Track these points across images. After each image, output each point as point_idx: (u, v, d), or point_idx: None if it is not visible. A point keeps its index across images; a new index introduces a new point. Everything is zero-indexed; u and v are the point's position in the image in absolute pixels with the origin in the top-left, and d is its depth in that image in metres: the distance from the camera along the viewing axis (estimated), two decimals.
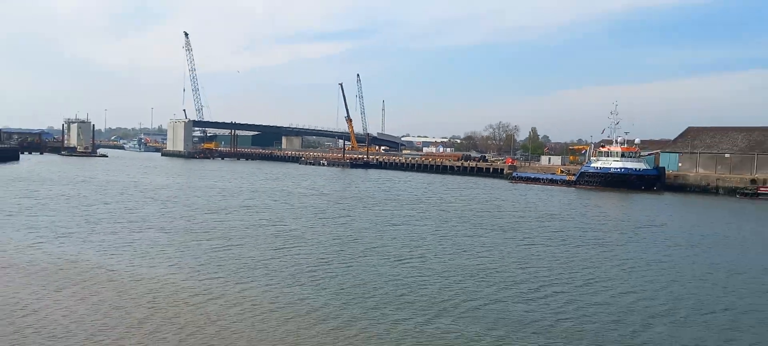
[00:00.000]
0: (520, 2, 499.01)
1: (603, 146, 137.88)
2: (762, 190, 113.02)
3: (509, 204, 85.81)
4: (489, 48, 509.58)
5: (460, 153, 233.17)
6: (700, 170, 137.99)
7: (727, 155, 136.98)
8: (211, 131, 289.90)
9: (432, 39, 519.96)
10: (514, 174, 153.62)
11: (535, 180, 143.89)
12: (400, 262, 40.46)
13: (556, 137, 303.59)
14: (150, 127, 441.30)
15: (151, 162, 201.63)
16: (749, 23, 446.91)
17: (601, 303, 31.26)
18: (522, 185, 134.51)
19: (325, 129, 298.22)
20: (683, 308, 30.99)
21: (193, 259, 39.28)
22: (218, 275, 35.04)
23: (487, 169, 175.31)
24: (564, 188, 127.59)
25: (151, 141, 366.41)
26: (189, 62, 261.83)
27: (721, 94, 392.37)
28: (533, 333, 26.05)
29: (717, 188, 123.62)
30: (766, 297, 34.20)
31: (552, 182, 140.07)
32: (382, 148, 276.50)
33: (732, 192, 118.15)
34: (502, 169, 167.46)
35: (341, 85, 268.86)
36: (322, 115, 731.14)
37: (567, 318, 28.30)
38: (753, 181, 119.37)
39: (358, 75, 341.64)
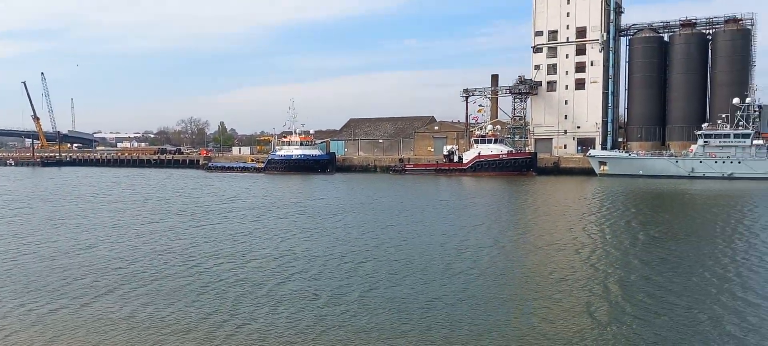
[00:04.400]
0: (209, 8, 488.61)
1: (285, 137, 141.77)
2: (408, 167, 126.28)
3: (207, 190, 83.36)
4: (180, 50, 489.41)
5: (155, 147, 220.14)
6: (362, 154, 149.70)
7: (380, 140, 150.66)
8: None
9: (124, 41, 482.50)
10: (210, 164, 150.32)
11: (230, 169, 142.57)
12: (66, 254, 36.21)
13: (242, 130, 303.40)
14: None
15: None
16: (383, 36, 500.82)
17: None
18: (218, 174, 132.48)
19: (10, 129, 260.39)
20: (335, 257, 32.75)
21: None
22: None
23: (184, 160, 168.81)
24: (255, 174, 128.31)
25: None
26: None
27: (374, 90, 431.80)
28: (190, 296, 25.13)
29: (375, 167, 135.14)
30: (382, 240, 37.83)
31: (244, 169, 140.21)
32: (75, 145, 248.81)
33: (386, 169, 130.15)
34: (198, 160, 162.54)
35: (25, 83, 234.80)
36: (6, 115, 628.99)
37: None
38: (401, 160, 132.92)
39: (42, 73, 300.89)
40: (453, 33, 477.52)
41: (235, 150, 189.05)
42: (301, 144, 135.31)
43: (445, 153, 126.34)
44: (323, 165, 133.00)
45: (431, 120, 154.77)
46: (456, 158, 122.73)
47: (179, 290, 27.11)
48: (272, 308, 24.25)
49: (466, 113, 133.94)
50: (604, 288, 27.30)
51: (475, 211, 56.83)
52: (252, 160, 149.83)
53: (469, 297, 25.59)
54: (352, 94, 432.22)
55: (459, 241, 38.95)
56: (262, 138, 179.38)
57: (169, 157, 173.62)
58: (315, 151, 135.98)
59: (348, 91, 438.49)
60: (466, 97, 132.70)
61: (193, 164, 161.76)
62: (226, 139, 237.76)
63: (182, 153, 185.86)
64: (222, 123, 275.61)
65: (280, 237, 41.09)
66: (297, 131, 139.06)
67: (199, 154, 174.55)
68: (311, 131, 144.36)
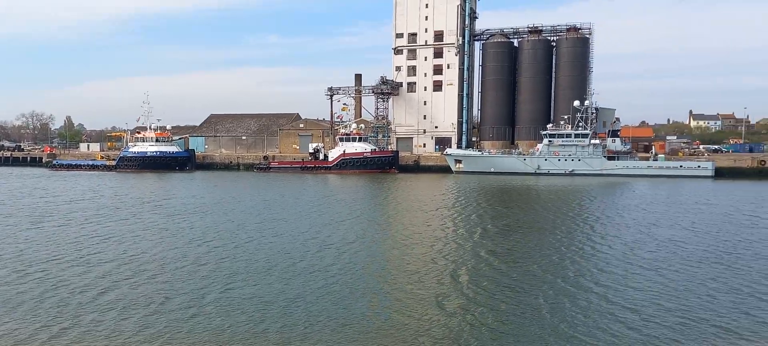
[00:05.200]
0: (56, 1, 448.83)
1: (138, 132, 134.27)
2: (273, 164, 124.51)
3: (51, 189, 76.61)
4: (18, 36, 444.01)
5: None
6: (224, 151, 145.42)
7: (243, 137, 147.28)
8: None
9: None
10: (55, 162, 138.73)
11: (77, 166, 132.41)
12: None
13: (91, 125, 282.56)
14: None
15: None
16: (244, 31, 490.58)
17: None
18: (63, 172, 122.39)
19: None
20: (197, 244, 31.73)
21: None
22: None
23: (25, 158, 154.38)
24: (106, 173, 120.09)
25: None
26: None
27: (236, 86, 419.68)
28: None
29: (238, 165, 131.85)
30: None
31: (93, 167, 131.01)
32: None
33: (250, 167, 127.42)
34: (41, 158, 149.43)
35: None
36: None
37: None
38: (265, 157, 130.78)
39: None
40: (317, 31, 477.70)
41: (83, 147, 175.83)
42: (157, 140, 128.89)
43: (311, 151, 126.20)
44: (181, 163, 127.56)
45: (296, 117, 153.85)
46: (322, 156, 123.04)
47: (12, 300, 24.84)
48: (120, 314, 22.97)
49: (331, 111, 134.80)
50: (454, 279, 28.76)
51: (340, 208, 57.38)
52: (102, 157, 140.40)
53: (328, 293, 25.84)
54: (213, 90, 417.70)
55: (322, 238, 39.16)
56: (114, 134, 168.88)
57: (7, 154, 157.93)
58: (172, 148, 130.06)
59: (208, 86, 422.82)
60: (331, 96, 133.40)
61: (35, 162, 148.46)
62: (72, 135, 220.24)
63: (22, 150, 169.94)
64: (68, 118, 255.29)
65: (130, 240, 38.90)
66: (152, 127, 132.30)
67: (43, 151, 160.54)
68: (168, 127, 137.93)
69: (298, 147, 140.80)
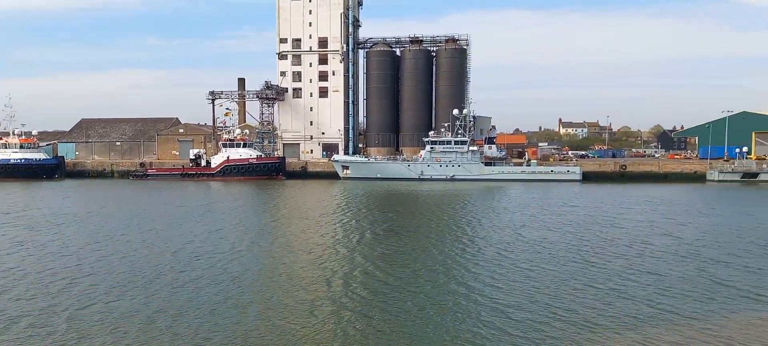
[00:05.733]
0: None
1: (0, 139, 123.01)
2: (151, 171, 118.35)
3: None
4: None
5: None
6: (96, 157, 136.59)
7: (118, 143, 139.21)
8: None
9: None
10: None
11: None
12: None
13: None
14: None
15: None
16: (120, 31, 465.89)
17: None
18: None
19: None
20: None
21: None
22: None
23: None
24: None
25: None
26: None
27: (110, 89, 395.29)
28: None
29: (112, 172, 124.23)
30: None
31: None
32: None
33: (125, 175, 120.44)
34: None
35: None
36: None
37: None
38: (142, 164, 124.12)
39: None
40: (199, 33, 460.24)
41: None
42: (22, 147, 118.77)
43: (192, 157, 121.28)
44: (49, 170, 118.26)
45: (176, 122, 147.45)
46: (204, 162, 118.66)
47: None
48: None
49: (213, 116, 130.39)
50: (329, 286, 28.49)
51: (221, 216, 55.41)
52: None
53: (195, 306, 24.68)
54: (85, 93, 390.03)
55: (196, 248, 37.51)
56: None
57: None
58: (39, 155, 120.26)
59: (80, 89, 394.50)
60: (213, 100, 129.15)
61: None
62: None
63: None
64: None
65: None
66: (15, 132, 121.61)
67: None
68: (34, 132, 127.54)
69: (178, 153, 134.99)
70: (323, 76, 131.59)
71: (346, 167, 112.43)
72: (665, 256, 35.02)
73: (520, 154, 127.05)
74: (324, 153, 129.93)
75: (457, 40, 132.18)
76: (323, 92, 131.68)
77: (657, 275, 30.19)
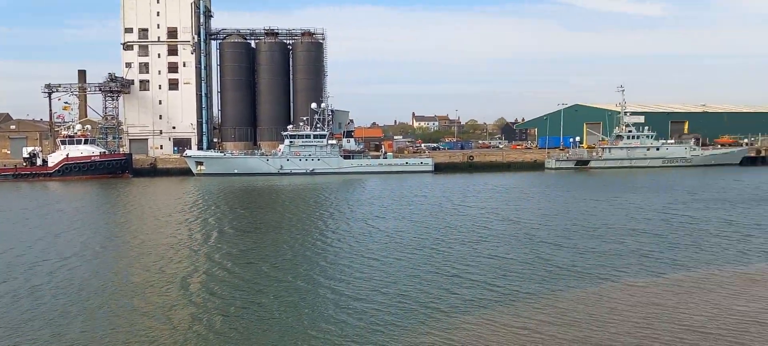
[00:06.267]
0: None
1: None
2: None
3: None
4: None
5: None
6: None
7: None
8: None
9: None
10: None
11: None
12: None
13: None
14: None
15: None
16: None
17: None
18: None
19: None
20: None
21: None
22: None
23: None
24: None
25: None
26: None
27: None
28: None
29: None
30: None
31: None
32: None
33: None
34: None
35: None
36: None
37: None
38: None
39: None
40: (32, 21, 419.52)
41: None
42: None
43: (26, 156, 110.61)
44: None
45: (6, 118, 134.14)
46: (39, 161, 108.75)
47: None
48: None
49: (50, 111, 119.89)
50: (184, 287, 27.73)
51: (58, 219, 51.35)
52: None
53: (34, 317, 22.93)
54: None
55: (35, 256, 34.59)
56: None
57: None
58: None
59: None
60: (49, 94, 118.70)
61: None
62: None
63: None
64: None
65: None
66: None
67: None
68: None
69: (9, 152, 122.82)
70: (173, 68, 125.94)
71: (201, 163, 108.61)
72: (505, 240, 37.95)
73: (377, 147, 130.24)
74: (175, 149, 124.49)
75: (313, 34, 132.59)
76: (173, 84, 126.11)
77: (496, 258, 32.69)
